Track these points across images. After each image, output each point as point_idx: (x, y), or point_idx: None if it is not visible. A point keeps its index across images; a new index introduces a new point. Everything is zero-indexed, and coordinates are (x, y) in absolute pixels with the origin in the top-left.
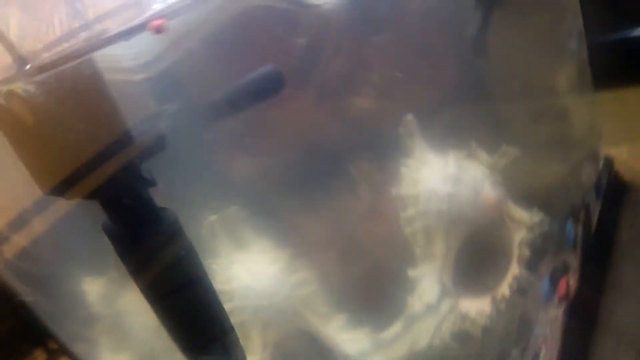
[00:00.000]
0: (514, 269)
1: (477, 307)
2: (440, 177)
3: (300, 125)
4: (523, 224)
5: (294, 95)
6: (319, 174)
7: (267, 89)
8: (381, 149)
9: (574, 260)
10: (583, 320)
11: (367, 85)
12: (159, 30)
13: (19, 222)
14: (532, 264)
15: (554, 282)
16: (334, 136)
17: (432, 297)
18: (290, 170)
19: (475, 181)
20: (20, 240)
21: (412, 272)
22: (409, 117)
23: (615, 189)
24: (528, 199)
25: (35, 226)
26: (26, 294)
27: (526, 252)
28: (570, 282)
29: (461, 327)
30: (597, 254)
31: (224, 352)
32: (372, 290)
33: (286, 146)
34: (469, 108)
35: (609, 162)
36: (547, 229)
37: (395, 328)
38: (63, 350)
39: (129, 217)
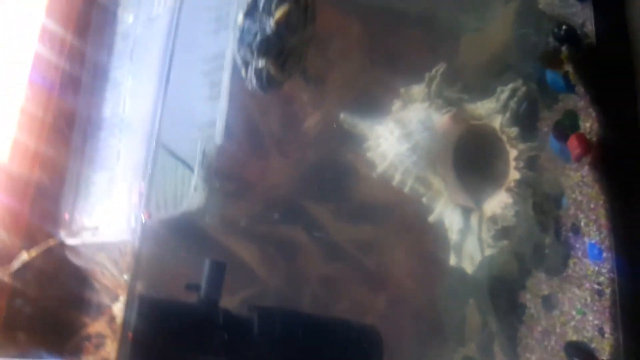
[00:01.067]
0: (512, 152)
1: (498, 204)
2: (395, 140)
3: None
4: (492, 111)
5: None
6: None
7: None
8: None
9: (580, 103)
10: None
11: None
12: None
13: None
14: (525, 134)
15: (560, 137)
16: None
17: (460, 222)
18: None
19: (421, 120)
20: None
21: (432, 218)
22: (342, 115)
23: None
24: (483, 88)
25: None
26: None
27: (513, 131)
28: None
29: (496, 228)
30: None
31: None
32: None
33: None
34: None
35: None
36: (522, 93)
37: (451, 261)
38: None
39: None
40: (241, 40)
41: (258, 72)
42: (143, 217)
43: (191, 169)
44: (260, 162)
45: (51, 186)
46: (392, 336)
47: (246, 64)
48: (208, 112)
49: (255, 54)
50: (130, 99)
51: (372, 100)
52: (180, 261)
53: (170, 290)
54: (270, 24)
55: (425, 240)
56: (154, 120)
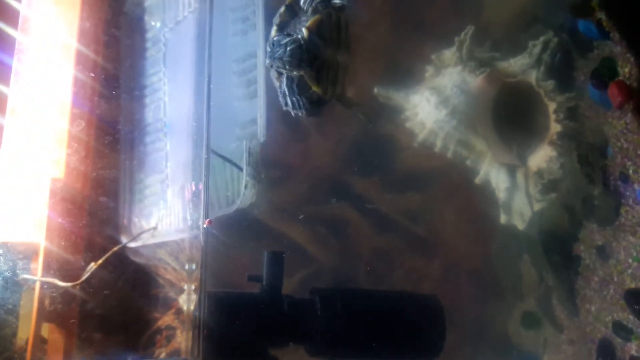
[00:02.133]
0: (551, 105)
1: (542, 158)
2: (433, 107)
3: None
4: (526, 67)
5: None
6: None
7: None
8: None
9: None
10: None
11: None
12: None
13: None
14: (563, 85)
15: (599, 86)
16: None
17: (506, 180)
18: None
19: (457, 85)
20: None
21: (478, 179)
22: (376, 89)
23: None
24: (514, 49)
25: None
26: None
27: (549, 84)
28: (629, 74)
29: (543, 182)
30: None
31: None
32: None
33: None
34: None
35: None
36: (555, 45)
37: (502, 219)
38: None
39: None
40: (273, 54)
41: (290, 84)
42: (205, 224)
43: (240, 168)
44: (301, 146)
45: (107, 195)
46: (451, 298)
47: (281, 80)
48: (247, 111)
49: (288, 64)
50: (170, 102)
51: (403, 69)
52: (241, 253)
53: (235, 282)
54: (302, 33)
55: (473, 201)
56: (197, 123)
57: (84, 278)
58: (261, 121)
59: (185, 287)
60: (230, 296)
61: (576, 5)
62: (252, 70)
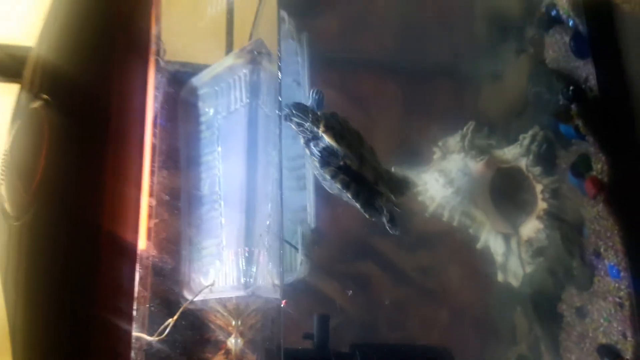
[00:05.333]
0: (538, 186)
1: (532, 229)
2: (441, 186)
3: None
4: (517, 155)
5: None
6: None
7: None
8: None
9: (591, 149)
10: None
11: None
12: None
13: None
14: (547, 170)
15: (577, 175)
16: None
17: (503, 246)
18: None
19: (460, 169)
20: None
21: (479, 245)
22: (392, 168)
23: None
24: (507, 136)
25: None
26: None
27: (537, 169)
28: (601, 170)
29: (532, 249)
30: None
31: None
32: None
33: None
34: None
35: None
36: (541, 137)
37: (499, 278)
38: None
39: None
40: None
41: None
42: (282, 304)
43: (296, 248)
44: (332, 214)
45: (171, 256)
46: (457, 342)
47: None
48: (298, 200)
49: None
50: (224, 179)
51: (414, 151)
52: (299, 317)
53: (293, 341)
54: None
55: (475, 261)
56: (248, 197)
57: (166, 332)
58: (311, 210)
59: (232, 332)
60: (291, 351)
61: (559, 112)
62: (302, 168)
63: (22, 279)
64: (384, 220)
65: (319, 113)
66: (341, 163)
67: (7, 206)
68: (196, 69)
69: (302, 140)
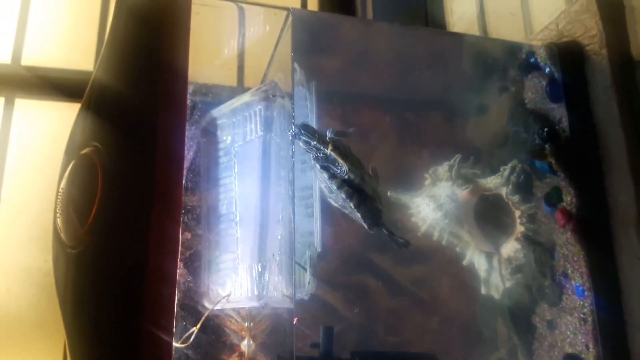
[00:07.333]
0: (517, 212)
1: (511, 248)
2: (431, 210)
3: None
4: (498, 184)
5: None
6: None
7: None
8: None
9: (562, 183)
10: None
11: None
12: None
13: None
14: (525, 198)
15: (550, 204)
16: None
17: (485, 264)
18: None
19: (448, 195)
20: None
21: (465, 262)
22: (388, 192)
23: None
24: (490, 166)
25: None
26: None
27: (515, 197)
28: (570, 202)
29: (512, 266)
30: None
31: None
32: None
33: None
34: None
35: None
36: (519, 169)
37: (483, 291)
38: None
39: None
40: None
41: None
42: (295, 321)
43: (304, 268)
44: (335, 232)
45: (192, 268)
46: (445, 345)
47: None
48: (306, 225)
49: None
50: (240, 200)
51: (407, 176)
52: (306, 328)
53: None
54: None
55: (462, 275)
56: (262, 217)
57: (191, 340)
58: (317, 236)
59: (245, 336)
60: (299, 358)
61: (534, 151)
62: (310, 198)
63: (79, 298)
64: (386, 233)
65: (327, 136)
66: (345, 177)
67: (63, 236)
68: (214, 97)
69: (312, 157)
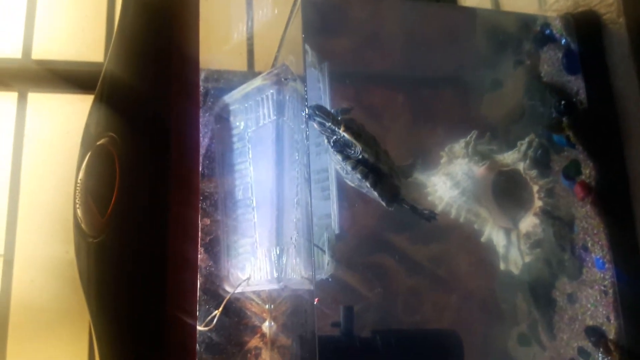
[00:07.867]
0: (535, 187)
1: (529, 224)
2: (448, 188)
3: None
4: (516, 159)
5: None
6: None
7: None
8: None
9: (580, 156)
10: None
11: None
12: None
13: None
14: (543, 172)
15: (568, 178)
16: None
17: (503, 239)
18: None
19: (465, 172)
20: None
21: (483, 239)
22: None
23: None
24: (507, 142)
25: None
26: None
27: (533, 172)
28: (589, 175)
29: (530, 241)
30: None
31: None
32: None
33: None
34: None
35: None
36: (536, 144)
37: (502, 267)
38: None
39: None
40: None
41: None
42: (315, 301)
43: (323, 250)
44: (352, 214)
45: (212, 253)
46: (465, 322)
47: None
48: (323, 208)
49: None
50: (255, 185)
51: (423, 155)
52: (326, 308)
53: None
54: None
55: (480, 252)
56: (278, 201)
57: (214, 323)
58: (335, 218)
59: (266, 318)
60: (323, 338)
61: (551, 124)
62: (326, 180)
63: (105, 286)
64: (407, 207)
65: (340, 117)
66: (359, 157)
67: (83, 226)
68: (226, 83)
69: (325, 140)
